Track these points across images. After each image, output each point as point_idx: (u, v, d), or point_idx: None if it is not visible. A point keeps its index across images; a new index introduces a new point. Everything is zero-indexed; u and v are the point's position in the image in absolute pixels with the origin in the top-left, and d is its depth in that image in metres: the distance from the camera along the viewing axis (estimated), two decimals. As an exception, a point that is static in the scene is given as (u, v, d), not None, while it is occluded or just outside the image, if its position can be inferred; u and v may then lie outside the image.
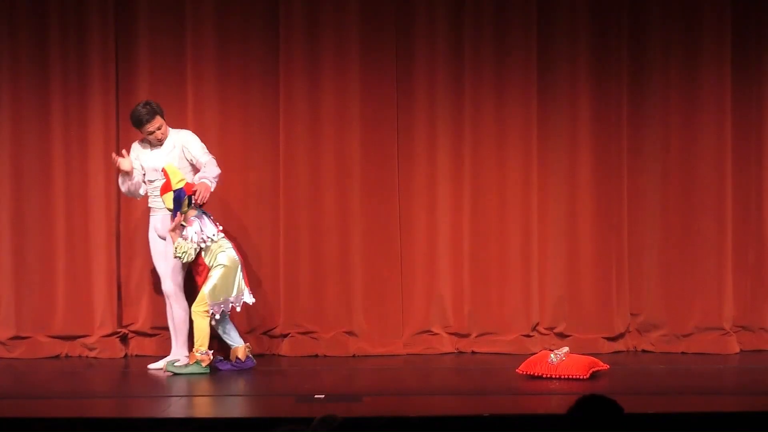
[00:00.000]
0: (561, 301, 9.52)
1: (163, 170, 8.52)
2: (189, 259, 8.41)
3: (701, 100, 9.49)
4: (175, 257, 8.44)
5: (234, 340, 8.61)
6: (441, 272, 9.46)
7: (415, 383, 8.28)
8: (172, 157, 8.60)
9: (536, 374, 8.02)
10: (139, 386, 8.45)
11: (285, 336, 9.36)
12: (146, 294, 9.35)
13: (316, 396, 7.27)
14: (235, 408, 7.44)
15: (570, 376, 7.91)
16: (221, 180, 8.75)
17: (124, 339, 9.36)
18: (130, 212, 9.36)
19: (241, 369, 8.53)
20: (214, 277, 8.47)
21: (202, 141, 8.76)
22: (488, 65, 9.45)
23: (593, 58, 9.47)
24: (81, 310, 9.28)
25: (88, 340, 9.27)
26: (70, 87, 9.29)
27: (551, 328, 9.52)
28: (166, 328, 9.23)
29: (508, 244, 9.47)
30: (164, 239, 8.63)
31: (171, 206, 8.47)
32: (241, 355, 8.56)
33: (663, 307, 9.52)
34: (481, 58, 9.45)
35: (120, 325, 9.35)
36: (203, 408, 7.33)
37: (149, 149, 8.69)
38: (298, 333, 9.35)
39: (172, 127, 8.73)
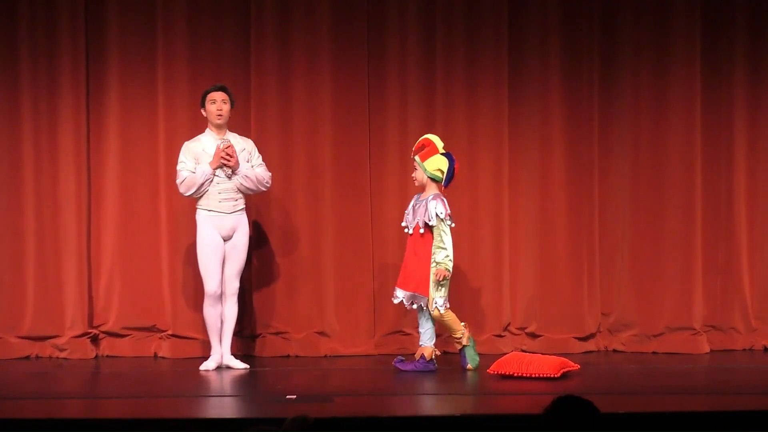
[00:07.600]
0: (532, 301, 9.55)
1: (427, 139, 8.45)
2: None
3: (671, 100, 9.54)
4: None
5: (424, 339, 8.52)
6: (413, 272, 9.46)
7: (386, 384, 8.27)
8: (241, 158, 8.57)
9: (507, 373, 8.03)
10: (110, 387, 8.42)
11: (256, 337, 9.34)
12: (117, 295, 9.33)
13: (287, 396, 7.25)
14: (206, 409, 7.41)
15: (541, 375, 7.92)
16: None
17: (94, 339, 9.32)
18: (100, 213, 9.32)
19: (423, 370, 8.42)
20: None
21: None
22: (460, 65, 9.48)
23: (565, 57, 9.51)
24: (51, 310, 9.24)
25: (59, 341, 9.23)
26: (39, 88, 9.25)
27: (523, 328, 9.54)
28: (138, 329, 9.24)
29: (479, 243, 9.50)
30: (228, 239, 8.52)
31: (438, 169, 8.37)
32: (427, 355, 8.47)
33: (634, 307, 9.55)
34: (453, 58, 9.47)
35: (91, 325, 9.31)
36: (173, 409, 7.29)
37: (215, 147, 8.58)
38: (270, 333, 9.34)
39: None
